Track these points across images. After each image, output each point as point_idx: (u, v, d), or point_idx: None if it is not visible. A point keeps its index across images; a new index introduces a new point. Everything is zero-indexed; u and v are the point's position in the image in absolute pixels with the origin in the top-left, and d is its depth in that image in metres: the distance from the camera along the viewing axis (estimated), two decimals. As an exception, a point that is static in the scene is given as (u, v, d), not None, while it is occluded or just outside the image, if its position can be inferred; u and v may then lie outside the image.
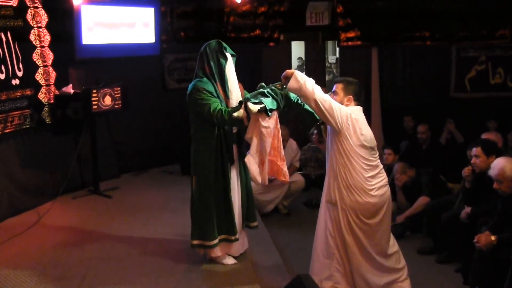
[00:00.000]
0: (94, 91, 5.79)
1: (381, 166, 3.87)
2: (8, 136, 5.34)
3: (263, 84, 3.96)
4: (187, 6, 7.29)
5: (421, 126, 6.82)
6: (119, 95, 6.04)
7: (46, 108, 5.77)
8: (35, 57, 5.59)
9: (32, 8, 5.49)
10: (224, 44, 4.00)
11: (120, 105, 6.08)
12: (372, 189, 3.74)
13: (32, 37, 5.53)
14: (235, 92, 4.01)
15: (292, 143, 6.53)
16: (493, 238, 3.98)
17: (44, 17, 5.63)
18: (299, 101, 3.99)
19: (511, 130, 6.27)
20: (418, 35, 7.52)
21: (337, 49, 10.37)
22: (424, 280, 4.56)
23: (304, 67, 10.51)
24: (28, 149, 5.60)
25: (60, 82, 5.92)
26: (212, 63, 3.93)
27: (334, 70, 11.87)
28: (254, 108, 3.66)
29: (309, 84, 3.60)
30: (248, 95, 3.85)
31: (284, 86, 3.76)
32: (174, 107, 7.11)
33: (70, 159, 5.93)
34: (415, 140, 6.94)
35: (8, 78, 5.25)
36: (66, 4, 5.70)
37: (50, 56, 5.75)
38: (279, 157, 3.90)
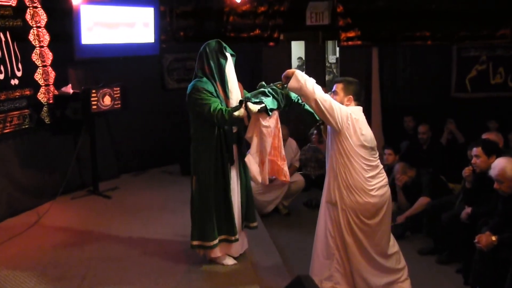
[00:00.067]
0: (94, 91, 5.78)
1: (381, 166, 3.87)
2: (7, 136, 5.33)
3: (263, 83, 3.94)
4: (186, 6, 7.28)
5: (421, 126, 6.81)
6: (118, 95, 6.04)
7: (45, 108, 5.76)
8: (34, 57, 5.58)
9: (31, 8, 5.48)
10: (224, 44, 3.99)
11: (119, 105, 6.07)
12: (372, 189, 3.73)
13: (31, 37, 5.52)
14: (235, 92, 4.00)
15: (292, 142, 6.51)
16: (493, 238, 3.97)
17: (43, 17, 5.62)
18: (300, 101, 3.98)
19: (512, 130, 6.27)
20: (418, 34, 7.51)
21: (337, 49, 10.36)
22: (424, 281, 4.55)
23: (304, 67, 10.51)
24: (27, 149, 5.59)
25: (59, 82, 5.91)
26: (212, 63, 3.92)
27: (334, 70, 11.87)
28: (255, 107, 3.65)
29: (310, 84, 3.60)
30: (249, 95, 3.84)
31: (285, 86, 3.74)
32: (174, 107, 7.11)
33: (70, 159, 5.92)
34: (415, 140, 6.93)
35: (7, 78, 5.24)
36: (65, 4, 5.69)
37: (49, 56, 5.74)
38: (279, 157, 3.89)
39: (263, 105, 3.66)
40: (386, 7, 7.31)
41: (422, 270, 4.76)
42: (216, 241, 4.04)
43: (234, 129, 4.06)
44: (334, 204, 3.79)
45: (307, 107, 3.95)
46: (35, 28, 5.55)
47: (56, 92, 5.87)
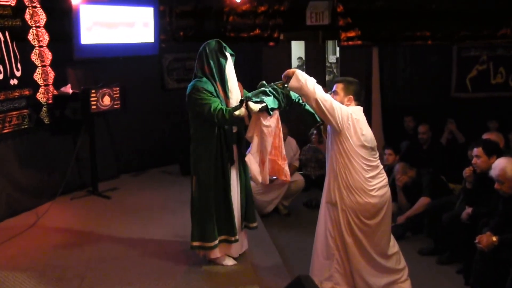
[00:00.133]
0: (93, 91, 5.77)
1: (381, 166, 3.87)
2: (7, 137, 5.32)
3: (264, 82, 3.93)
4: (186, 5, 7.27)
5: (421, 126, 6.80)
6: (118, 95, 6.03)
7: (45, 108, 5.75)
8: (34, 57, 5.57)
9: (30, 8, 5.47)
10: (223, 44, 3.98)
11: (119, 105, 6.06)
12: (372, 190, 3.72)
13: (30, 37, 5.51)
14: (235, 92, 4.00)
15: (291, 141, 6.48)
16: (494, 239, 3.96)
17: (42, 17, 5.61)
18: (300, 101, 3.97)
19: (512, 130, 6.26)
20: (419, 34, 7.50)
21: (337, 48, 10.34)
22: (424, 281, 4.54)
23: (304, 66, 10.49)
24: (27, 149, 5.58)
25: (58, 82, 5.90)
26: (212, 63, 3.91)
27: (335, 70, 11.84)
28: (256, 107, 3.63)
29: (310, 84, 3.59)
30: (249, 94, 3.82)
31: (286, 85, 3.73)
32: (173, 107, 7.11)
33: (69, 159, 5.91)
34: (415, 140, 6.92)
35: (6, 78, 5.23)
36: (64, 4, 5.68)
37: (48, 56, 5.73)
38: (280, 157, 3.88)
39: (264, 104, 3.65)
40: (386, 7, 7.30)
41: (423, 271, 4.75)
42: (216, 242, 4.03)
43: (234, 129, 4.05)
44: (334, 204, 3.79)
45: (307, 107, 3.94)
46: (34, 28, 5.54)
47: (55, 92, 5.86)
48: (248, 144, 3.94)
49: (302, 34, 8.33)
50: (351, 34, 7.56)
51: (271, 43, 7.64)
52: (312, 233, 4.07)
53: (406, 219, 5.52)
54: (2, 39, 5.14)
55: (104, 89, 5.88)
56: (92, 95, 5.76)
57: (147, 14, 6.60)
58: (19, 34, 5.35)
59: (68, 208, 5.70)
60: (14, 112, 5.38)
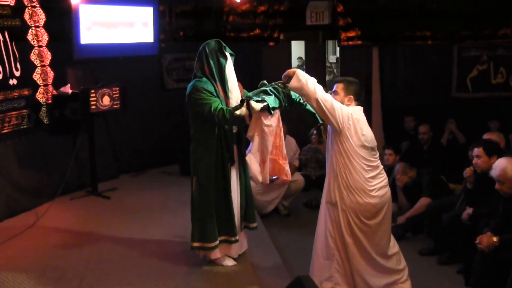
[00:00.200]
0: (93, 91, 5.76)
1: (382, 166, 3.86)
2: (6, 137, 5.32)
3: (265, 82, 3.91)
4: (186, 5, 7.26)
5: (422, 126, 6.79)
6: (117, 95, 6.02)
7: (44, 108, 5.74)
8: (33, 57, 5.56)
9: (29, 8, 5.46)
10: (223, 44, 3.96)
11: (118, 105, 6.06)
12: (372, 190, 3.72)
13: (29, 37, 5.50)
14: (235, 92, 3.98)
15: (291, 140, 6.45)
16: (495, 239, 3.96)
17: (41, 17, 5.60)
18: (301, 101, 3.96)
19: (513, 130, 6.26)
20: (419, 34, 7.49)
21: (338, 48, 10.34)
22: (425, 282, 4.53)
23: (304, 66, 10.48)
24: (26, 149, 5.57)
25: (58, 82, 5.89)
26: (211, 63, 3.90)
27: (335, 70, 11.84)
28: (257, 106, 3.61)
29: (311, 83, 3.58)
30: (250, 93, 3.81)
31: (286, 85, 3.72)
32: (173, 107, 7.09)
33: (68, 159, 5.90)
34: (416, 140, 6.91)
35: (5, 78, 5.22)
36: (64, 4, 5.67)
37: (48, 56, 5.72)
38: (281, 156, 3.87)
39: (265, 103, 3.64)
40: (387, 6, 7.29)
41: (423, 271, 4.74)
42: (216, 242, 4.02)
43: (234, 129, 4.04)
44: (334, 205, 3.78)
45: (308, 107, 3.93)
46: (33, 28, 5.53)
47: (54, 92, 5.85)
48: (247, 144, 3.92)
49: (302, 34, 8.31)
50: (351, 34, 7.55)
51: (271, 43, 7.63)
52: (312, 233, 4.06)
53: (406, 219, 5.51)
54: (1, 39, 5.13)
55: (104, 89, 5.88)
56: (92, 95, 5.75)
57: (146, 14, 6.59)
58: (19, 34, 5.34)
59: (68, 209, 5.69)
60: (13, 112, 5.37)
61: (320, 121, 3.98)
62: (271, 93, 3.73)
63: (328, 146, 3.83)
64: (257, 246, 4.64)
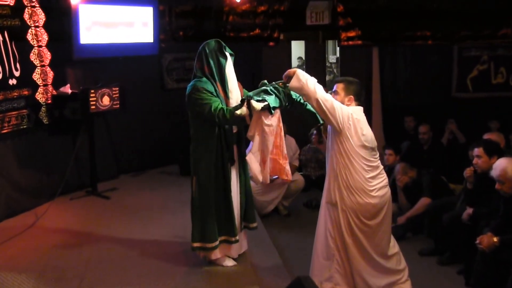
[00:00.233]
0: (92, 91, 5.76)
1: (382, 167, 3.85)
2: (5, 137, 5.31)
3: (265, 81, 3.91)
4: (186, 5, 7.25)
5: (422, 126, 6.78)
6: (117, 95, 6.02)
7: (44, 109, 5.74)
8: (33, 56, 5.56)
9: (29, 7, 5.45)
10: (223, 43, 3.96)
11: (118, 105, 6.06)
12: (372, 190, 3.71)
13: (29, 37, 5.50)
14: (235, 92, 3.98)
15: (291, 140, 6.42)
16: (495, 239, 3.95)
17: (41, 17, 5.59)
18: (302, 101, 3.95)
19: (513, 131, 6.25)
20: (419, 34, 7.49)
21: (338, 48, 10.33)
22: (425, 282, 4.52)
23: (304, 66, 10.47)
24: (26, 149, 5.57)
25: (57, 82, 5.88)
26: (211, 63, 3.89)
27: (335, 70, 11.83)
28: (258, 105, 3.61)
29: (311, 83, 3.57)
30: (251, 93, 3.80)
31: (287, 85, 3.72)
32: (173, 107, 7.09)
33: (68, 159, 5.90)
34: (416, 140, 6.90)
35: (5, 78, 5.21)
36: (63, 3, 5.66)
37: (47, 56, 5.71)
38: (281, 156, 3.87)
39: (266, 103, 3.63)
40: (387, 6, 7.29)
41: (423, 271, 4.73)
42: (217, 243, 4.01)
43: (234, 129, 4.03)
44: (334, 205, 3.77)
45: (309, 106, 3.92)
46: (33, 28, 5.52)
47: (54, 92, 5.84)
48: (247, 143, 3.91)
49: (302, 34, 8.31)
50: (351, 34, 7.54)
51: (271, 43, 7.63)
52: (312, 233, 4.05)
53: (406, 219, 5.51)
54: (1, 39, 5.12)
55: (104, 89, 5.87)
56: (91, 95, 5.74)
57: (146, 13, 6.59)
58: (18, 34, 5.33)
59: (67, 209, 5.69)
60: (13, 112, 5.36)
61: (321, 121, 3.97)
62: (271, 93, 3.73)
63: (328, 146, 3.83)
64: (257, 246, 4.64)
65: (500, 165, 4.09)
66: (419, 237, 5.51)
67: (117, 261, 4.33)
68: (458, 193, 5.46)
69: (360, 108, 3.77)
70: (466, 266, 4.50)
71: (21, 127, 5.48)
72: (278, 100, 3.74)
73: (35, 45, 5.58)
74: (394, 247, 3.95)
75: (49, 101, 5.79)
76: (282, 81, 3.79)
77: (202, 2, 7.32)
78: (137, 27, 6.51)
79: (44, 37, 5.66)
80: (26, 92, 5.50)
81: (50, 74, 5.79)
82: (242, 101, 3.72)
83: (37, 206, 5.59)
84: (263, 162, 3.81)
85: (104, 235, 4.90)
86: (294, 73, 3.62)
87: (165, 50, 7.14)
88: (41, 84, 5.69)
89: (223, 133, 3.93)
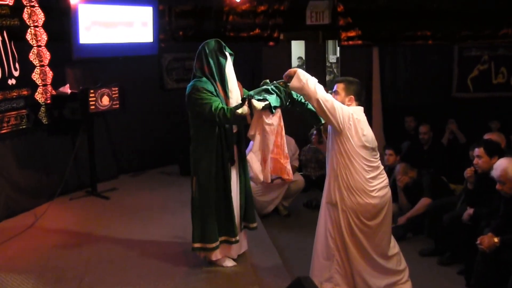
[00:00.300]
0: (92, 91, 5.75)
1: (382, 167, 3.85)
2: (5, 137, 5.30)
3: (267, 81, 3.90)
4: (185, 5, 7.24)
5: (422, 126, 6.77)
6: (117, 95, 6.01)
7: (43, 109, 5.73)
8: (32, 56, 5.55)
9: (28, 7, 5.45)
10: (223, 43, 3.95)
11: (118, 105, 6.05)
12: (373, 190, 3.70)
13: (28, 37, 5.49)
14: (235, 92, 3.97)
15: (290, 140, 6.38)
16: (496, 239, 3.94)
17: (40, 16, 5.58)
18: (302, 100, 3.94)
19: (514, 131, 6.24)
20: (419, 34, 7.48)
21: (338, 48, 10.32)
22: (425, 282, 4.51)
23: (304, 66, 10.45)
24: (25, 149, 5.56)
25: (57, 82, 5.87)
26: (211, 63, 3.88)
27: (335, 70, 11.81)
28: (259, 105, 3.60)
29: (311, 83, 3.56)
30: (252, 92, 3.79)
31: (288, 84, 3.71)
32: (173, 107, 7.08)
33: (67, 159, 5.89)
34: (416, 140, 6.89)
35: (4, 78, 5.20)
36: (63, 3, 5.65)
37: (47, 55, 5.71)
38: (282, 155, 3.87)
39: (267, 102, 3.63)
40: (387, 6, 7.28)
41: (423, 272, 4.72)
42: (217, 243, 4.01)
43: (234, 129, 4.02)
44: (334, 205, 3.76)
45: (310, 106, 3.91)
46: (32, 28, 5.51)
47: (53, 92, 5.83)
48: (246, 144, 3.90)
49: (302, 34, 8.30)
50: (352, 33, 7.53)
51: (271, 43, 7.62)
52: (312, 234, 4.04)
53: (406, 219, 5.50)
54: (0, 38, 5.11)
55: (103, 89, 5.86)
56: (91, 95, 5.73)
57: (146, 13, 6.58)
58: (17, 33, 5.33)
59: (67, 209, 5.68)
60: (12, 112, 5.36)
61: (322, 121, 3.96)
62: (272, 92, 3.72)
63: (328, 146, 3.82)
64: (257, 247, 4.63)
65: (500, 165, 4.08)
66: (420, 238, 5.50)
67: (117, 261, 4.33)
68: (458, 193, 5.45)
69: (361, 108, 3.76)
70: (466, 267, 4.49)
71: (21, 127, 5.47)
72: (279, 99, 3.73)
73: (35, 45, 5.57)
74: (394, 247, 3.94)
75: (49, 101, 5.78)
76: (283, 80, 3.78)
77: (202, 2, 7.31)
78: (136, 27, 6.50)
79: (44, 37, 5.65)
80: (25, 92, 5.49)
81: (50, 74, 5.78)
82: (243, 100, 3.71)
83: (37, 206, 5.58)
84: (263, 162, 3.81)
85: (104, 236, 4.89)
86: (294, 72, 3.61)
87: (165, 50, 7.13)
88: (41, 84, 5.68)
89: (223, 133, 3.92)
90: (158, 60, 7.15)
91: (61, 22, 5.75)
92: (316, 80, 3.62)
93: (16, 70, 5.33)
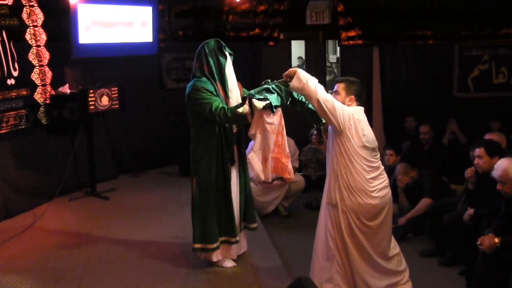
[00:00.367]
0: (91, 91, 5.74)
1: (382, 167, 3.84)
2: (4, 137, 5.30)
3: (268, 80, 3.88)
4: (185, 4, 7.24)
5: (423, 126, 6.75)
6: (116, 95, 6.01)
7: (42, 109, 5.73)
8: (31, 56, 5.54)
9: (27, 7, 5.44)
10: (222, 43, 3.93)
11: (117, 105, 6.04)
12: (373, 191, 3.69)
13: (27, 36, 5.48)
14: (235, 92, 3.97)
15: (290, 141, 6.35)
16: (496, 240, 3.93)
17: (40, 16, 5.58)
18: (303, 99, 3.93)
19: (515, 131, 6.22)
20: (420, 34, 7.46)
21: (338, 48, 10.31)
22: (426, 283, 4.50)
23: (304, 66, 10.45)
24: (24, 150, 5.55)
25: (56, 82, 5.87)
26: (211, 62, 3.87)
27: (335, 70, 11.81)
28: (260, 104, 3.59)
29: (312, 83, 3.55)
30: (252, 91, 3.78)
31: (288, 83, 3.69)
32: (172, 107, 7.07)
33: (67, 160, 5.88)
34: (417, 140, 6.87)
35: (3, 78, 5.20)
36: (62, 3, 5.65)
37: (46, 55, 5.70)
38: (283, 154, 3.86)
39: (268, 101, 3.61)
40: (387, 6, 7.26)
41: (424, 272, 4.71)
42: (218, 243, 4.00)
43: (234, 129, 4.02)
44: (334, 206, 3.76)
45: (310, 105, 3.89)
46: (31, 27, 5.51)
47: (53, 92, 5.83)
48: (246, 144, 3.89)
49: (302, 33, 8.29)
50: (352, 33, 7.52)
51: (271, 43, 7.60)
52: (312, 234, 4.03)
53: (407, 220, 5.49)
54: (-1, 38, 5.11)
55: (102, 89, 5.85)
56: (90, 95, 5.72)
57: (145, 13, 6.57)
58: (16, 33, 5.32)
59: (66, 209, 5.67)
60: (12, 112, 5.35)
61: (323, 121, 3.94)
62: (273, 91, 3.71)
63: (328, 146, 3.81)
64: (257, 247, 4.62)
65: (501, 165, 4.07)
66: (420, 238, 5.48)
67: (116, 262, 4.32)
68: (459, 193, 5.44)
69: (361, 108, 3.75)
70: (467, 267, 4.48)
71: (20, 127, 5.47)
72: (280, 99, 3.72)
73: (34, 44, 5.56)
74: (394, 248, 3.93)
75: (48, 101, 5.77)
76: (283, 79, 3.77)
77: (202, 2, 7.31)
78: (136, 27, 6.49)
79: (43, 37, 5.64)
80: (24, 92, 5.48)
81: (49, 74, 5.77)
82: (244, 99, 3.70)
83: (36, 207, 5.58)
84: (264, 161, 3.80)
85: (103, 236, 4.88)
86: (295, 72, 3.60)
87: (165, 50, 7.12)
88: (40, 84, 5.67)
89: (223, 133, 3.91)
90: (157, 60, 7.14)
91: (61, 22, 5.75)
92: (317, 80, 3.61)
93: (15, 70, 5.32)
